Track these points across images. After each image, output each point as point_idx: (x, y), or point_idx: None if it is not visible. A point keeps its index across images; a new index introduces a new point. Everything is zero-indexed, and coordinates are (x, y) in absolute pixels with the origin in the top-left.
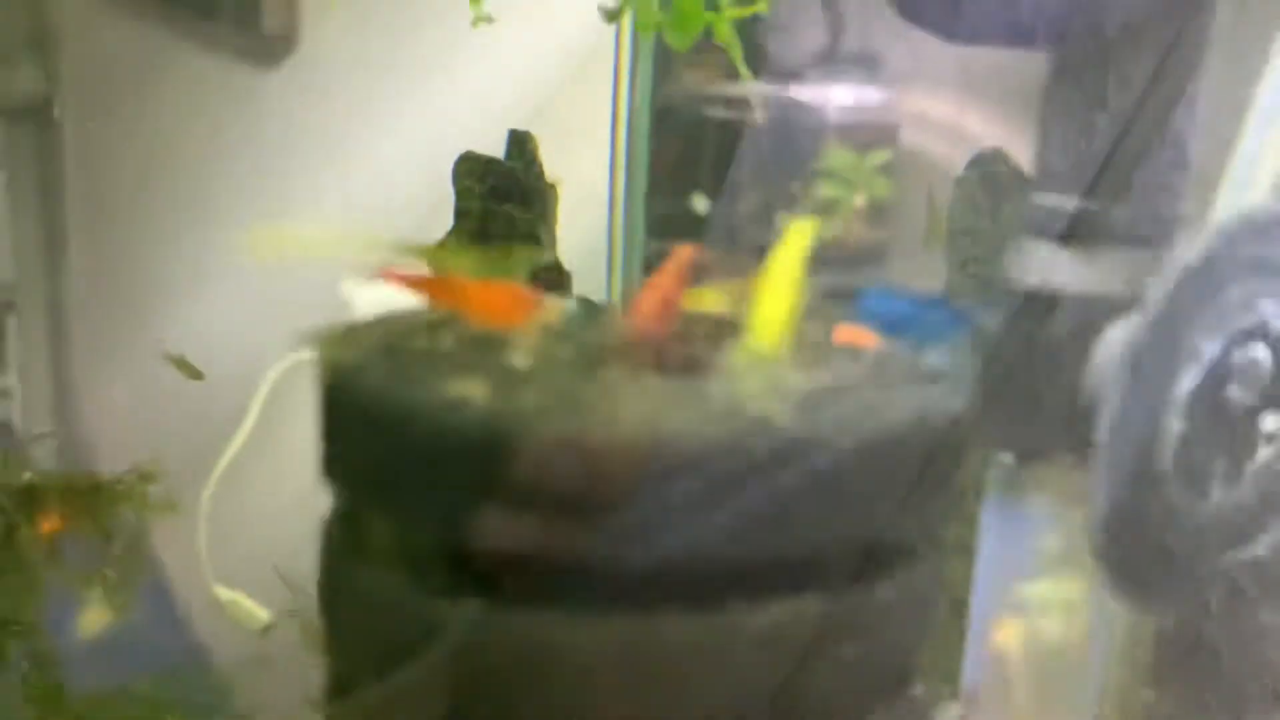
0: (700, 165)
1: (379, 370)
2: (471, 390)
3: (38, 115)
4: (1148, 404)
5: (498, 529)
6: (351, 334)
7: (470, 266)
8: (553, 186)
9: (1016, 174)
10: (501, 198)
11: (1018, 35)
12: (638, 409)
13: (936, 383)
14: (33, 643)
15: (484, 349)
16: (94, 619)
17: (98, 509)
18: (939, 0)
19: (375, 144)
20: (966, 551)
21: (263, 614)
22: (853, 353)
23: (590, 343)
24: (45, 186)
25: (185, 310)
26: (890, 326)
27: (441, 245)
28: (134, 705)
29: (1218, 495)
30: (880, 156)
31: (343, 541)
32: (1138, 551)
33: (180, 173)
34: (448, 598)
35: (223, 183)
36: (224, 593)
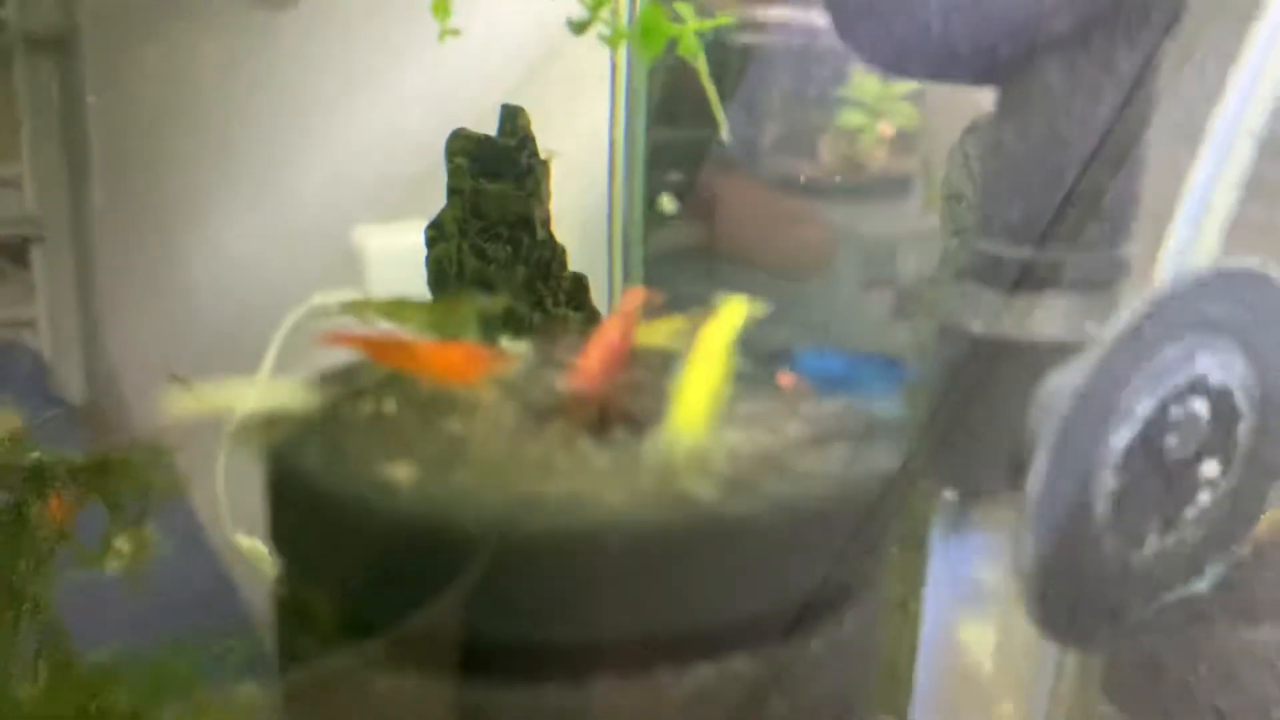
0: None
1: (313, 448)
2: (401, 471)
3: (59, 45)
4: (1080, 461)
5: (425, 608)
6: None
7: (421, 320)
8: (545, 163)
9: None
10: (493, 176)
11: (951, 71)
12: (567, 488)
13: (872, 438)
14: (44, 618)
15: (426, 412)
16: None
17: (107, 487)
18: (870, 28)
19: (387, 84)
20: (914, 585)
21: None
22: (791, 406)
23: (536, 399)
24: (67, 117)
25: (208, 241)
26: (827, 385)
27: (392, 301)
28: (148, 674)
29: (1154, 543)
30: (907, 85)
31: (288, 609)
32: (1067, 599)
33: (199, 106)
34: (385, 671)
35: (240, 117)
36: (244, 540)
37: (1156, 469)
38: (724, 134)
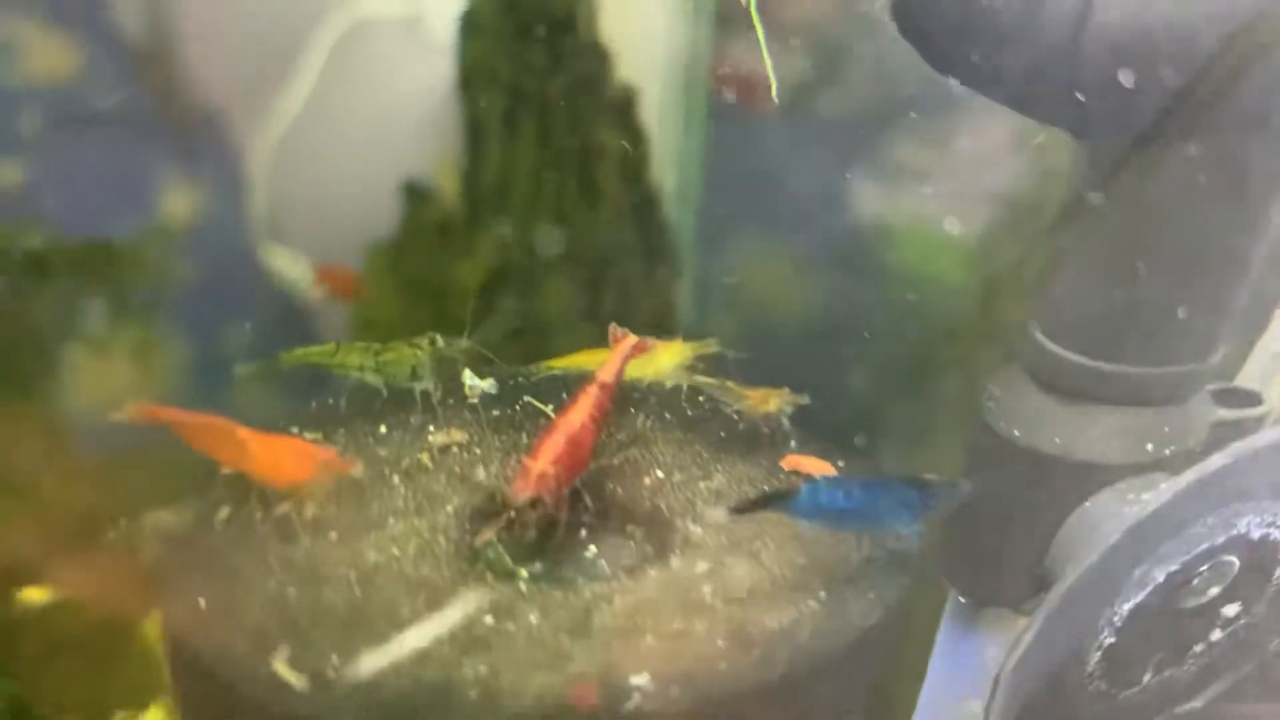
0: None
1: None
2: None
3: None
4: (1078, 627)
5: None
6: None
7: (369, 365)
8: (605, 51)
9: None
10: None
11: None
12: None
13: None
14: (48, 420)
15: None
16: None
17: (112, 275)
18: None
19: None
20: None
21: (310, 272)
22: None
23: (476, 496)
24: None
25: None
26: (841, 518)
27: (335, 347)
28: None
29: (1149, 679)
30: None
31: None
32: None
33: None
34: None
35: None
36: (275, 252)
37: (1166, 622)
38: None
